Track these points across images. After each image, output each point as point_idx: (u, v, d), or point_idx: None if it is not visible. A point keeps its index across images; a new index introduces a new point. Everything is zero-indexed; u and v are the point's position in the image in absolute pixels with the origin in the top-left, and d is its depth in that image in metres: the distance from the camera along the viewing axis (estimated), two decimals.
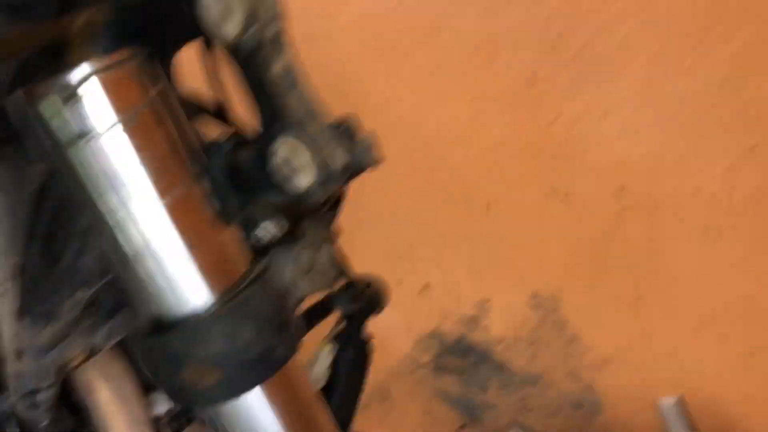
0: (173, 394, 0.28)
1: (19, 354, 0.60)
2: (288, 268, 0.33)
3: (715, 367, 1.31)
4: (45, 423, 0.64)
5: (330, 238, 0.36)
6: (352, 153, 0.43)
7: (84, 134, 0.25)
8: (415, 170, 1.39)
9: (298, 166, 0.31)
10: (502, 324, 1.56)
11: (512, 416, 1.70)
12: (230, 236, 0.31)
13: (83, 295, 0.48)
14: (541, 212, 1.34)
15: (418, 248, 1.53)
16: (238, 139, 0.34)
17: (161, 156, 0.27)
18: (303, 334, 0.31)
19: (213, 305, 0.29)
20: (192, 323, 0.28)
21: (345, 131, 0.51)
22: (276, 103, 0.30)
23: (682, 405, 1.41)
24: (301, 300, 0.36)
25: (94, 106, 0.25)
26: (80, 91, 0.24)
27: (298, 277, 0.34)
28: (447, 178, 1.39)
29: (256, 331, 0.29)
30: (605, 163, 1.24)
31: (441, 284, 1.55)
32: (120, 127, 0.26)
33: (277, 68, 0.29)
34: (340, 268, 0.35)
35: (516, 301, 1.49)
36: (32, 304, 0.52)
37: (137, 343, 0.29)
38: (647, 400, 1.44)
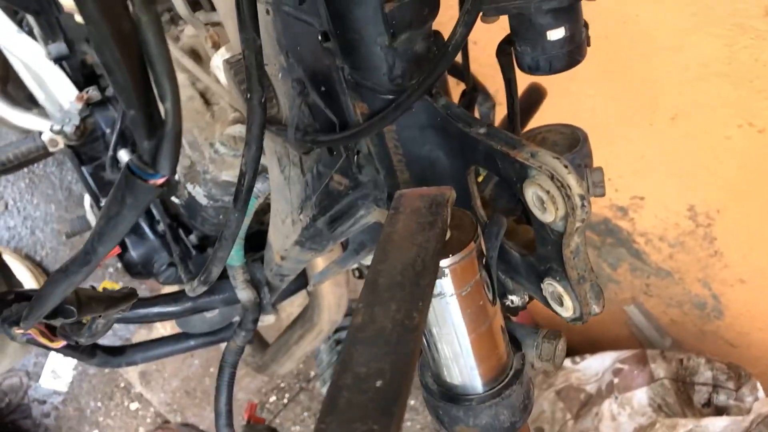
0: (442, 426, 0.45)
1: (283, 258, 0.81)
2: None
3: None
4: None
5: None
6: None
7: (439, 295, 0.39)
8: (609, 60, 1.36)
9: (561, 300, 0.43)
10: (650, 222, 1.61)
11: (633, 295, 1.83)
12: (497, 326, 0.45)
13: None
14: (727, 138, 1.31)
15: (590, 132, 1.55)
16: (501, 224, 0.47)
17: (474, 306, 0.40)
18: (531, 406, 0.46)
19: (485, 391, 0.45)
20: (470, 401, 0.44)
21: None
22: (558, 265, 0.41)
23: None
24: None
25: (446, 283, 0.39)
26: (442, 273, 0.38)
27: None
28: (640, 82, 1.37)
29: (510, 413, 0.44)
30: None
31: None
32: (456, 294, 0.39)
33: (571, 248, 0.40)
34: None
35: (672, 207, 1.52)
36: (305, 241, 0.71)
37: (430, 398, 0.46)
38: None
